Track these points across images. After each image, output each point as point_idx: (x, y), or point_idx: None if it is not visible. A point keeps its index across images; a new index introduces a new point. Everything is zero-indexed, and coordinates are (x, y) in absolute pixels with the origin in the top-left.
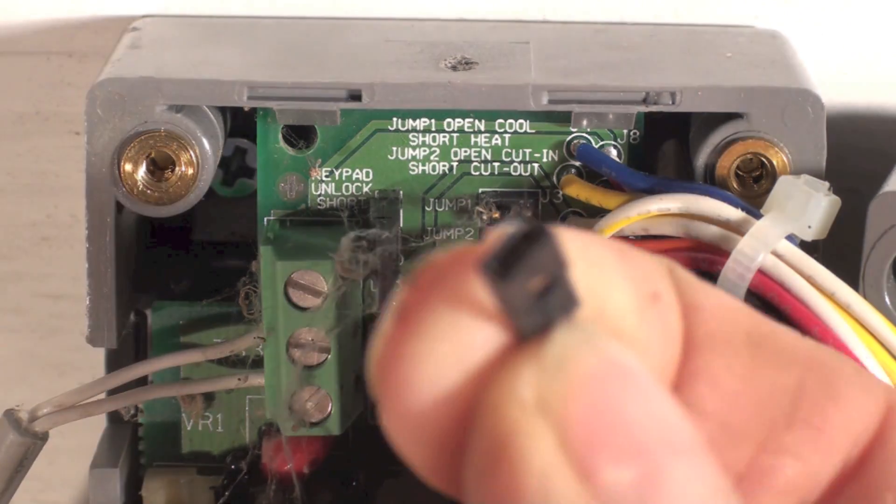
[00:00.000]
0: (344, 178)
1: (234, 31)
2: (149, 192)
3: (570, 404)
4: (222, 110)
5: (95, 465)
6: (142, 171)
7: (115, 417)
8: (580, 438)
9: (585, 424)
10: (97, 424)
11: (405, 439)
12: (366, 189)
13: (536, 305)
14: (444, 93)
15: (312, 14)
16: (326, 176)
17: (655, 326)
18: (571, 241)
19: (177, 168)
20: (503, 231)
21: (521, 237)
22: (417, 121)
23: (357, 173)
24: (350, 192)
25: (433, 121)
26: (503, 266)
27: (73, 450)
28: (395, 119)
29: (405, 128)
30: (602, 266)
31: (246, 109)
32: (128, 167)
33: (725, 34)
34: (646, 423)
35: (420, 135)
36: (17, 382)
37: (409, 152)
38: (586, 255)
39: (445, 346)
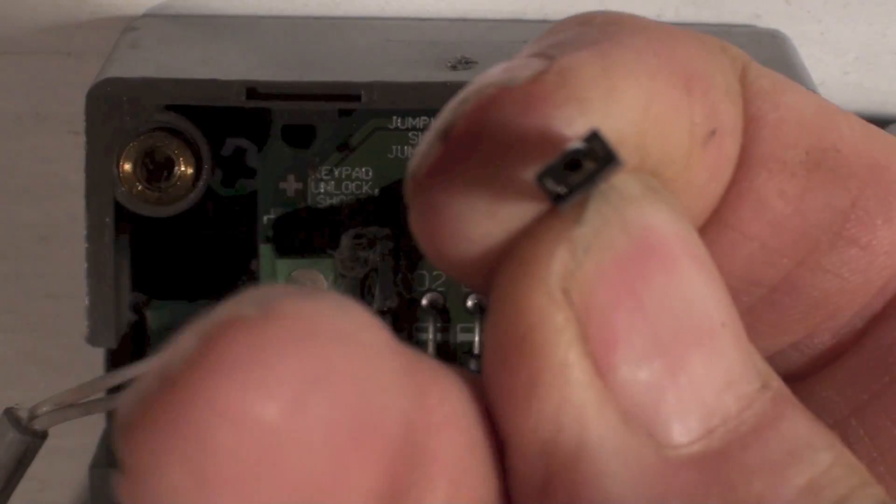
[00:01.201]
0: (343, 177)
1: (234, 31)
2: (149, 192)
3: (592, 294)
4: (222, 110)
5: (95, 465)
6: (142, 171)
7: (114, 416)
8: (599, 334)
9: (605, 318)
10: (97, 424)
11: (429, 252)
12: (365, 187)
13: (574, 176)
14: (443, 92)
15: (312, 14)
16: (326, 174)
17: (704, 166)
18: (637, 79)
19: (177, 168)
20: (564, 143)
21: (583, 154)
22: (417, 119)
23: (357, 172)
24: (350, 190)
25: (433, 120)
26: (557, 178)
27: (73, 450)
28: (394, 118)
29: (405, 126)
30: (661, 108)
31: (246, 109)
32: (127, 167)
33: (726, 34)
34: (667, 312)
35: (420, 133)
36: (17, 383)
37: (409, 151)
38: (648, 94)
39: (484, 194)
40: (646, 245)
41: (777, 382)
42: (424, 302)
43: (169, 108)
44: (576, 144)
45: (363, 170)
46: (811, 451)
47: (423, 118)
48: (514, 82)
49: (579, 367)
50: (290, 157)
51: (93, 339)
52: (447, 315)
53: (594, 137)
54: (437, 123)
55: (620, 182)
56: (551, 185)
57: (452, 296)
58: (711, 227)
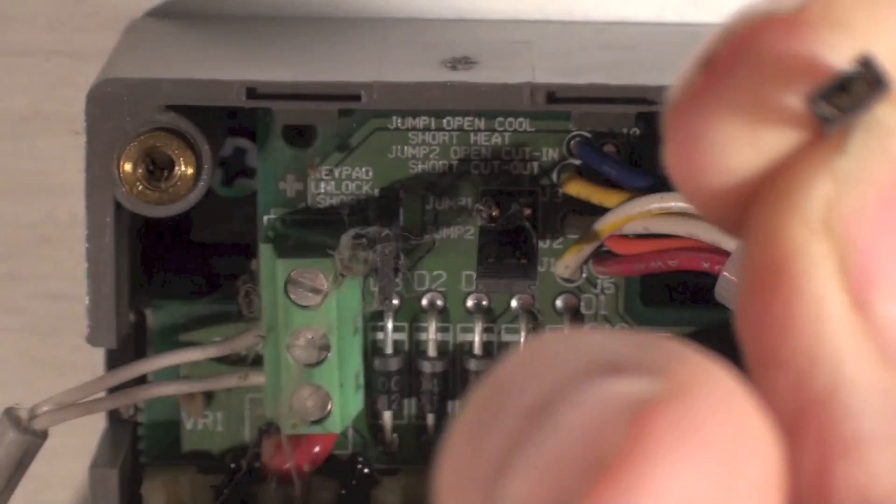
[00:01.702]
0: (344, 177)
1: (234, 31)
2: (149, 192)
3: (852, 228)
4: (222, 110)
5: (95, 464)
6: (142, 171)
7: (114, 416)
8: (859, 267)
9: (866, 251)
10: (97, 424)
11: (685, 185)
12: (366, 187)
13: (843, 100)
14: (443, 92)
15: (312, 14)
16: (326, 174)
17: None
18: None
19: (177, 168)
20: (829, 68)
21: (854, 79)
22: (417, 119)
23: (357, 172)
24: (350, 190)
25: (433, 119)
26: (827, 102)
27: (73, 450)
28: (394, 118)
29: (405, 126)
30: None
31: (246, 109)
32: (127, 167)
33: None
34: None
35: (420, 133)
36: (17, 383)
37: (409, 151)
38: None
39: (747, 120)
40: None
41: None
42: (424, 302)
43: (169, 108)
44: (848, 68)
45: (363, 170)
46: None
47: (423, 118)
48: (780, 11)
49: (837, 301)
50: (290, 157)
51: (93, 339)
52: (447, 315)
53: (867, 62)
54: (701, 52)
55: (882, 113)
56: (821, 108)
57: (452, 296)
58: None
